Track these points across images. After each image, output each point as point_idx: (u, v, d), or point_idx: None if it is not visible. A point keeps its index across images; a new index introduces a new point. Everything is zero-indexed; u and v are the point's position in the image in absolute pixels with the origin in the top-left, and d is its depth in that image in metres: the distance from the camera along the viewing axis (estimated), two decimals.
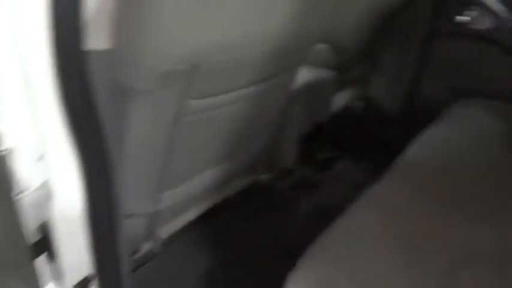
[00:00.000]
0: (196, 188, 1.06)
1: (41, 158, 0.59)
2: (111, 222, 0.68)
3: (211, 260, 1.22)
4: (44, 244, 0.66)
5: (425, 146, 1.21)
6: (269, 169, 1.41)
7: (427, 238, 0.83)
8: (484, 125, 1.37)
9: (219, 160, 1.08)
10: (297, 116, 1.36)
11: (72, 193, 0.63)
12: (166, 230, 1.09)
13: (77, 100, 0.56)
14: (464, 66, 1.68)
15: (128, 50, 0.65)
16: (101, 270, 0.71)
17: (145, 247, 1.06)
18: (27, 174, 0.58)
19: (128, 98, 0.72)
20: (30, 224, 0.61)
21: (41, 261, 0.68)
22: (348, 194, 1.04)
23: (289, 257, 0.78)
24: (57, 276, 0.70)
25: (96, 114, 0.58)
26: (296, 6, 0.86)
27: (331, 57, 1.46)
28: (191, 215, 1.15)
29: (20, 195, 0.58)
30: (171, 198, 0.99)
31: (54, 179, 0.62)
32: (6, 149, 0.55)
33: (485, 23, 1.59)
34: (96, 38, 0.58)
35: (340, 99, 1.67)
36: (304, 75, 1.31)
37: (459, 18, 1.62)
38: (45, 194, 0.61)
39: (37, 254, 0.66)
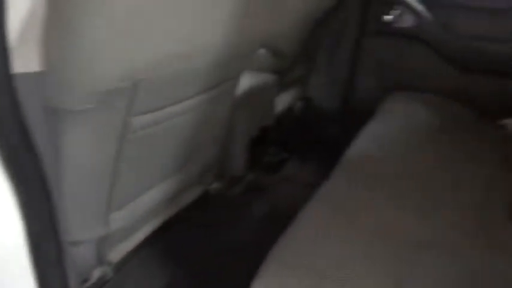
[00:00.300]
0: (146, 205, 1.02)
1: None
2: (55, 253, 0.64)
3: (168, 276, 1.18)
4: None
5: (366, 142, 1.30)
6: (219, 177, 1.40)
7: (379, 228, 0.87)
8: (415, 116, 1.50)
9: (168, 174, 1.06)
10: (244, 122, 1.36)
11: (11, 226, 0.58)
12: (118, 253, 1.04)
13: (7, 126, 0.52)
14: (392, 62, 1.80)
15: (60, 71, 0.63)
16: None
17: (96, 274, 1.00)
18: None
19: (65, 119, 0.69)
20: None
21: None
22: (298, 194, 1.06)
23: (247, 262, 0.78)
24: None
25: (29, 139, 0.55)
26: (234, 15, 0.87)
27: (271, 61, 1.48)
28: (142, 234, 1.11)
29: None
30: (121, 219, 0.94)
31: None
32: None
33: (407, 21, 1.71)
34: (25, 61, 0.55)
35: (283, 102, 1.70)
36: (246, 81, 1.32)
37: (386, 17, 1.72)
38: None
39: None
